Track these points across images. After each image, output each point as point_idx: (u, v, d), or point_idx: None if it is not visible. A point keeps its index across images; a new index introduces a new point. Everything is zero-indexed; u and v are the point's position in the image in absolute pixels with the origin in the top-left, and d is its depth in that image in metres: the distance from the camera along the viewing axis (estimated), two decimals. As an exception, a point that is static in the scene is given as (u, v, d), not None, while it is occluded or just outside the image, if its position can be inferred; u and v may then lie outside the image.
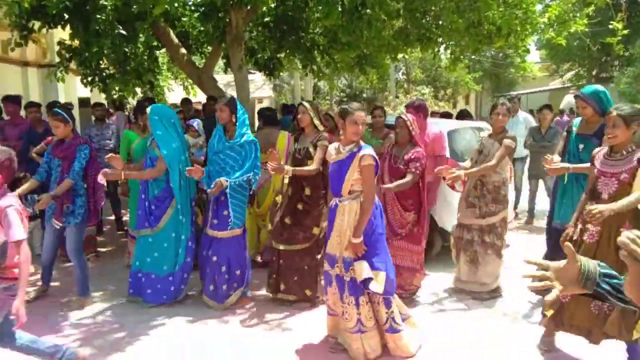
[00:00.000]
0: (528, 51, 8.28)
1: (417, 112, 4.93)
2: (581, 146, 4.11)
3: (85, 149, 4.47)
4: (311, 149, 4.40)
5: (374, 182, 3.47)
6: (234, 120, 4.45)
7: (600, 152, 3.41)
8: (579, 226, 3.41)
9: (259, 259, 5.65)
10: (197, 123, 6.12)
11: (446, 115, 8.95)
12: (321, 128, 4.53)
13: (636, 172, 3.13)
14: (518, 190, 7.49)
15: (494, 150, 4.51)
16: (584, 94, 4.12)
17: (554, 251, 4.18)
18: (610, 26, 7.06)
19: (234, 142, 4.44)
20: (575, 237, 3.39)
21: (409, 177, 4.23)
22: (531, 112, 13.03)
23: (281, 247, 4.44)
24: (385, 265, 3.38)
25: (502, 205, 4.55)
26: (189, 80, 10.69)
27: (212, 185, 4.25)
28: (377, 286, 3.29)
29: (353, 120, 3.38)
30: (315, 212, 4.42)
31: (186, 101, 8.70)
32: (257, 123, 7.56)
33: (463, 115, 7.78)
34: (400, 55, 9.86)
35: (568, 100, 21.98)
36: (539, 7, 7.48)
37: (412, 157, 4.29)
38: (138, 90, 9.67)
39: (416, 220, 4.43)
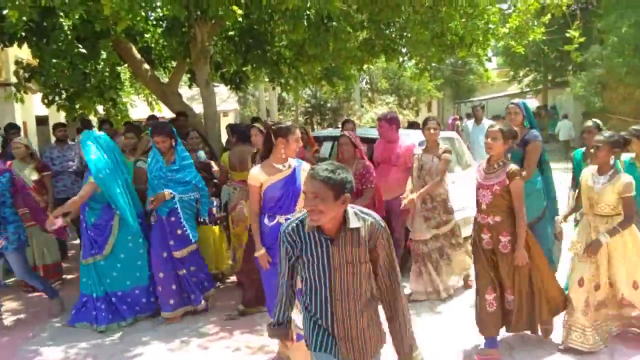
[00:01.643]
0: (490, 60, 8.50)
1: (391, 125, 4.97)
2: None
3: (3, 177, 4.53)
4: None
5: None
6: (173, 144, 4.55)
7: (480, 165, 3.74)
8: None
9: (233, 278, 5.54)
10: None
11: (413, 125, 9.02)
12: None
13: (506, 185, 3.48)
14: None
15: (434, 165, 4.74)
16: (518, 102, 4.56)
17: None
18: (567, 34, 7.30)
19: (176, 166, 4.54)
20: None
21: (367, 194, 4.48)
22: (494, 118, 13.39)
23: None
24: None
25: (452, 215, 4.89)
26: (153, 96, 10.47)
27: (151, 199, 4.38)
28: None
29: (295, 139, 3.51)
30: None
31: (152, 118, 8.48)
32: (224, 137, 7.44)
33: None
34: (365, 66, 9.95)
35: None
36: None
37: (363, 172, 4.48)
38: (100, 108, 9.41)
39: None
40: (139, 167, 4.98)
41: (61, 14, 5.49)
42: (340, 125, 6.05)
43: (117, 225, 4.51)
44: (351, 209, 2.12)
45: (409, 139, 5.31)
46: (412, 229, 4.84)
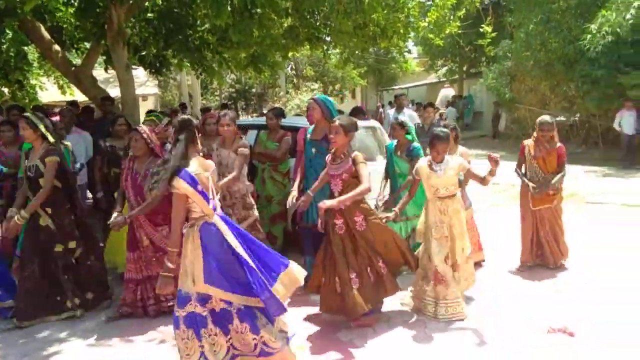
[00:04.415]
0: (409, 51, 8.83)
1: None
2: (313, 150, 4.52)
3: None
4: (41, 166, 4.14)
5: None
6: None
7: (329, 157, 3.98)
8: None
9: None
10: None
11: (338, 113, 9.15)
12: (51, 140, 4.23)
13: (354, 171, 3.81)
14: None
15: (232, 160, 4.65)
16: (316, 98, 4.65)
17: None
18: (481, 29, 7.75)
19: None
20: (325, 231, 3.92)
21: (154, 194, 3.91)
22: (418, 105, 13.94)
23: None
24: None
25: (251, 210, 4.76)
26: (65, 78, 9.87)
27: None
28: None
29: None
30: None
31: (72, 104, 7.95)
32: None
33: (356, 113, 7.92)
34: (290, 54, 9.96)
35: (444, 94, 23.78)
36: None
37: (154, 171, 3.85)
38: (5, 90, 8.74)
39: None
40: None
41: (-43, -13, 5.02)
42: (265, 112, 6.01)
43: None
44: None
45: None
46: None
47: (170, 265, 3.07)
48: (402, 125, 5.03)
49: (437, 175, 4.04)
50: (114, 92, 10.14)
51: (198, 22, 8.03)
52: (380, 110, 22.52)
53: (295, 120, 7.12)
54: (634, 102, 11.41)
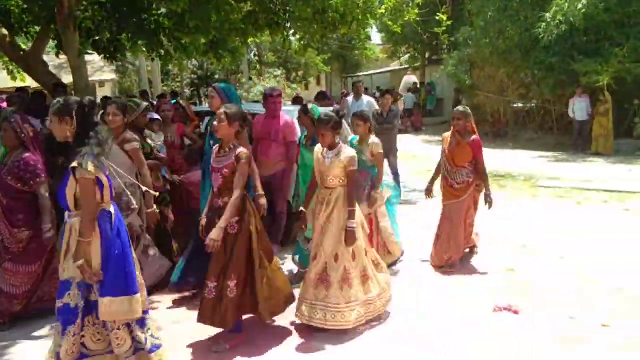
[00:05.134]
0: (369, 38, 8.87)
1: (280, 101, 5.03)
2: (212, 142, 4.31)
3: None
4: None
5: None
6: None
7: (216, 149, 3.60)
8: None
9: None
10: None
11: (297, 100, 9.15)
12: None
13: (235, 167, 3.38)
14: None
15: (120, 158, 4.00)
16: (216, 86, 4.40)
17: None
18: (437, 17, 7.85)
19: None
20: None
21: (41, 196, 3.79)
22: (382, 91, 14.03)
23: None
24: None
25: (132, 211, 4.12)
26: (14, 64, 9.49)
27: None
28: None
29: None
30: None
31: (21, 90, 7.67)
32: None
33: (319, 97, 7.89)
34: (250, 40, 9.86)
35: (407, 80, 24.01)
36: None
37: (19, 167, 3.78)
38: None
39: (31, 237, 3.88)
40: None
41: None
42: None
43: None
44: None
45: (289, 115, 5.40)
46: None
47: (78, 262, 2.73)
48: (306, 112, 4.55)
49: (325, 163, 3.70)
50: (68, 78, 9.83)
51: (154, 6, 7.84)
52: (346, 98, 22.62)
53: (252, 106, 7.09)
54: (585, 89, 11.83)
